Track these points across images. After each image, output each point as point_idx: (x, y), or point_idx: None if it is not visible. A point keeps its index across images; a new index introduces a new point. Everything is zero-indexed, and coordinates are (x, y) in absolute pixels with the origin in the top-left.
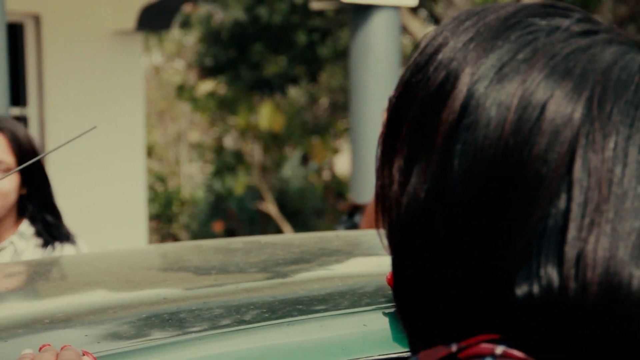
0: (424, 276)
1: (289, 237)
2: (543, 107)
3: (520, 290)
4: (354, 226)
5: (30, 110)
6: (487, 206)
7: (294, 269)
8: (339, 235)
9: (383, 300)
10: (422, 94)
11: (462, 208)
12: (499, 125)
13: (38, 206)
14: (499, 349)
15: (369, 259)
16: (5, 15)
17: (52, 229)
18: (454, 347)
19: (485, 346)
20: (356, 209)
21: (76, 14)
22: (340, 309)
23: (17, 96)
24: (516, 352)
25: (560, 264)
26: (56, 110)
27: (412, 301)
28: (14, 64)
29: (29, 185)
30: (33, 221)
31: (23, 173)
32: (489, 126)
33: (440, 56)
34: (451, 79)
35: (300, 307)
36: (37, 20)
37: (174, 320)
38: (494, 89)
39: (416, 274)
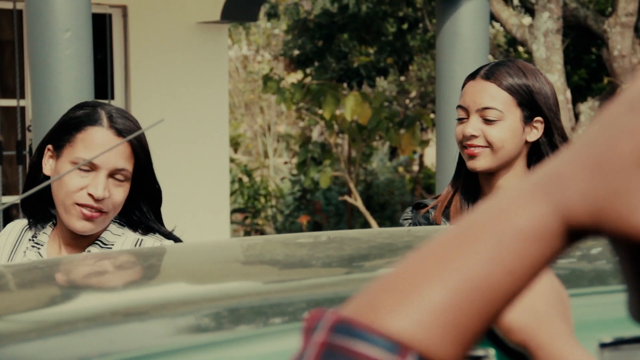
0: None
1: (360, 232)
2: None
3: None
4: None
5: (117, 103)
6: None
7: (351, 267)
8: (411, 231)
9: None
10: None
11: None
12: None
13: (140, 208)
14: None
15: None
16: (90, 6)
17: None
18: None
19: None
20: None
21: (162, 5)
22: None
23: (105, 89)
24: None
25: None
26: (141, 102)
27: None
28: (102, 56)
29: (136, 190)
30: (129, 221)
31: (133, 180)
32: None
33: None
34: None
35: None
36: (124, 11)
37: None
38: None
39: None
